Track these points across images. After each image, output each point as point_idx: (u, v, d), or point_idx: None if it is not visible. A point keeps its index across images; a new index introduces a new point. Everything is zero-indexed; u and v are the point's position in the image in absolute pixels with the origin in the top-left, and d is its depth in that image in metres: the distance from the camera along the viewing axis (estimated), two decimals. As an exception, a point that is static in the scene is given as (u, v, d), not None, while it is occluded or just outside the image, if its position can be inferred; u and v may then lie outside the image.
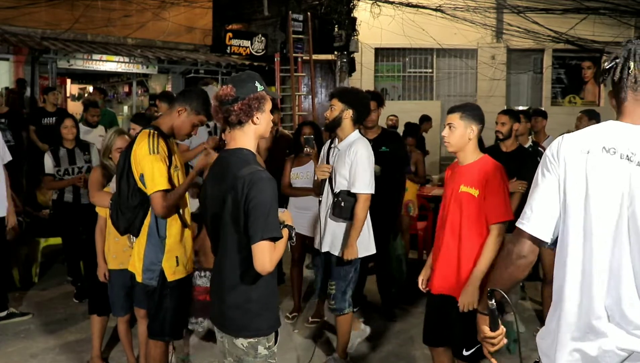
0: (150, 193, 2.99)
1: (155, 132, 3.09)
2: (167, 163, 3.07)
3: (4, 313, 4.80)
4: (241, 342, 2.40)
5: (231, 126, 2.39)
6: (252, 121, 2.37)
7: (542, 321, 4.72)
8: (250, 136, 2.40)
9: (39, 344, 4.42)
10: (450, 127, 3.02)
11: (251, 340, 2.39)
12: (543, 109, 6.20)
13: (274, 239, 2.25)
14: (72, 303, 5.28)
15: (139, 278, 3.17)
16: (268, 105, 2.42)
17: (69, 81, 11.50)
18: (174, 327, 3.23)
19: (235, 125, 2.38)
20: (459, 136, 3.00)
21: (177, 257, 3.14)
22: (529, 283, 5.74)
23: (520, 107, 12.06)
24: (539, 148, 5.59)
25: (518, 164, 4.67)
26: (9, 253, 5.12)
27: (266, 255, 2.22)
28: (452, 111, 3.06)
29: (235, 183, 2.27)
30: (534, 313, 5.11)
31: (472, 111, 3.04)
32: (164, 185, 2.99)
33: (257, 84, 2.40)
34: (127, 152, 3.12)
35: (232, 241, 2.34)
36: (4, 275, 4.98)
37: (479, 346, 2.99)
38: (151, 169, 2.98)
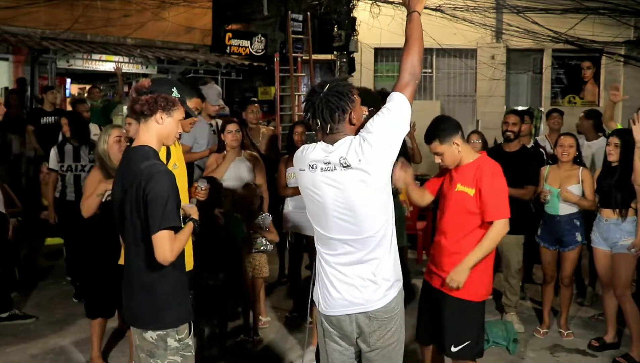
0: None
1: None
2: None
3: (5, 314, 4.77)
4: (150, 335, 2.45)
5: (137, 117, 2.49)
6: (156, 119, 2.45)
7: (542, 321, 4.72)
8: (152, 133, 2.47)
9: (39, 344, 4.42)
10: (438, 155, 3.13)
11: (159, 332, 2.44)
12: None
13: (174, 229, 2.33)
14: (71, 303, 5.27)
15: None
16: (178, 113, 2.50)
17: (68, 80, 11.49)
18: None
19: (140, 118, 2.47)
20: (450, 157, 3.11)
21: None
22: (529, 284, 5.75)
23: (520, 107, 12.05)
24: (540, 149, 5.60)
25: (522, 164, 4.66)
26: (12, 252, 5.08)
27: (166, 245, 2.30)
28: (428, 141, 3.14)
29: (134, 177, 2.36)
30: (534, 313, 5.11)
31: (444, 130, 3.11)
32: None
33: (174, 89, 2.57)
34: None
35: (136, 235, 2.41)
36: (7, 276, 4.94)
37: (468, 343, 3.06)
38: None
